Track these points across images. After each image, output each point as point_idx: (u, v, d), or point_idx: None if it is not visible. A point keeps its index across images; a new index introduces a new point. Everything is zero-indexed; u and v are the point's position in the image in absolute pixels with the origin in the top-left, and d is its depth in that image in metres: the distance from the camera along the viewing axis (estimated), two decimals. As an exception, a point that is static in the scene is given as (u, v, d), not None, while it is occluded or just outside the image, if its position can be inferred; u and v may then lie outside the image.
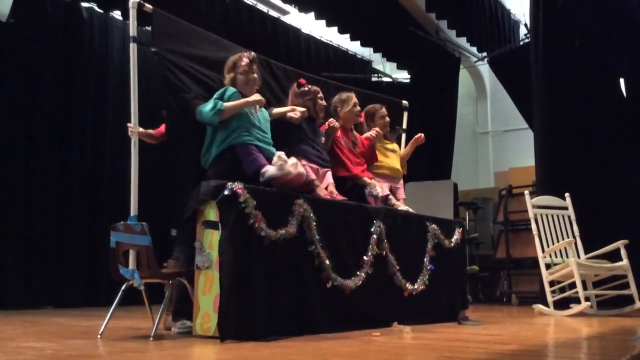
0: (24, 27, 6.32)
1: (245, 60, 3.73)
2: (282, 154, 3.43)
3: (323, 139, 4.14)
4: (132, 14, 3.47)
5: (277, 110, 3.92)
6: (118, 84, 6.86)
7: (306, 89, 4.07)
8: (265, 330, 3.01)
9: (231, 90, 3.63)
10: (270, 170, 3.38)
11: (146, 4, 3.54)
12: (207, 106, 3.52)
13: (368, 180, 4.25)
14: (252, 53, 3.82)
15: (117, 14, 7.12)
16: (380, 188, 4.27)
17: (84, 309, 6.07)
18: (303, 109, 3.94)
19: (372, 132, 4.47)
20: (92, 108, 6.89)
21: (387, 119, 4.74)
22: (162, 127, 3.99)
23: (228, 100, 3.56)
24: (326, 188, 3.90)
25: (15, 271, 6.00)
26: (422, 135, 4.91)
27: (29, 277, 6.07)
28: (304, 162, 3.79)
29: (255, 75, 3.77)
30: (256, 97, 3.63)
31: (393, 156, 4.79)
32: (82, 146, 6.75)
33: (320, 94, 4.17)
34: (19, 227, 6.09)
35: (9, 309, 5.69)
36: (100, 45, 7.06)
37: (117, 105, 6.73)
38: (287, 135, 3.86)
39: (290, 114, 3.86)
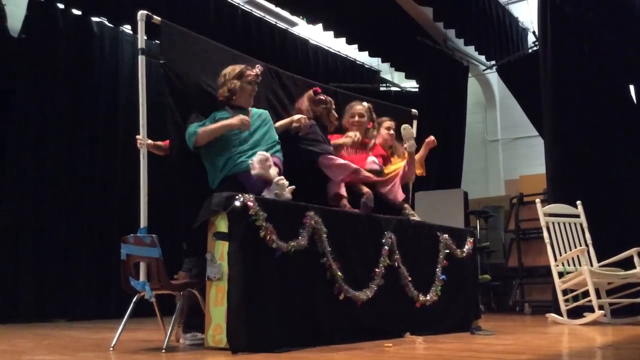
0: (36, 42, 6.40)
1: (255, 71, 3.74)
2: (280, 179, 3.37)
3: (331, 147, 4.07)
4: (141, 26, 3.49)
5: (279, 124, 3.89)
6: (128, 97, 6.92)
7: (322, 97, 4.08)
8: (277, 342, 3.01)
9: (217, 115, 3.56)
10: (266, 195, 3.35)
11: (154, 16, 3.55)
12: (190, 128, 3.49)
13: (365, 189, 4.09)
14: (261, 67, 3.84)
15: (127, 28, 7.19)
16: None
17: (95, 321, 6.08)
18: (303, 116, 3.89)
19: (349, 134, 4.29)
20: (102, 121, 6.95)
21: (392, 132, 4.63)
22: None
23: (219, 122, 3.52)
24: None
25: (27, 284, 6.03)
26: (433, 137, 4.85)
27: (41, 290, 6.10)
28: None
29: (256, 89, 3.78)
30: (239, 119, 3.50)
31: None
32: (92, 159, 6.81)
33: (334, 106, 4.17)
34: (30, 241, 6.13)
35: (21, 322, 5.72)
36: (111, 59, 7.13)
37: (128, 118, 6.78)
38: (299, 140, 3.83)
39: (295, 124, 3.84)
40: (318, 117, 4.06)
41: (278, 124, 3.90)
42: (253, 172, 3.38)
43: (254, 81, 3.72)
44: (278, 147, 3.70)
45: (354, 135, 4.16)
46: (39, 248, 6.17)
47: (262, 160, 3.38)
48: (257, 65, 3.85)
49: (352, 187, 4.08)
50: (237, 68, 3.71)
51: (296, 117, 3.90)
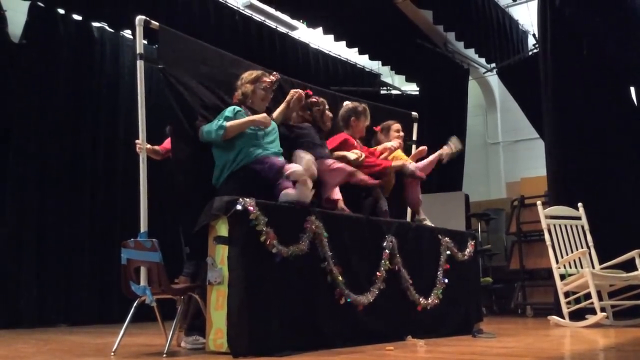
0: (36, 47, 6.40)
1: (271, 78, 3.79)
2: (307, 179, 3.38)
3: (327, 150, 4.09)
4: (139, 31, 3.49)
5: (277, 113, 3.91)
6: (129, 102, 6.92)
7: (315, 99, 4.08)
8: (278, 346, 3.00)
9: (237, 108, 3.62)
10: (290, 195, 3.34)
11: (152, 21, 3.56)
12: (211, 126, 3.52)
13: (382, 195, 4.23)
14: (278, 75, 3.89)
15: (127, 33, 7.20)
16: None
17: (97, 326, 6.07)
18: (295, 90, 3.95)
19: (393, 143, 4.47)
20: (103, 126, 6.96)
21: (402, 133, 4.74)
22: (167, 143, 4.01)
23: (234, 118, 3.55)
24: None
25: (29, 290, 6.02)
26: (425, 148, 4.88)
27: (42, 295, 6.10)
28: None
29: (271, 96, 3.81)
30: (263, 117, 3.60)
31: None
32: (93, 164, 6.81)
33: (327, 105, 4.17)
34: (31, 245, 6.12)
35: (23, 327, 5.71)
36: (111, 64, 7.14)
37: (128, 123, 6.78)
38: (296, 144, 3.84)
39: (291, 99, 3.89)
40: (312, 120, 4.04)
41: (275, 115, 3.91)
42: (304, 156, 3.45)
43: (268, 88, 3.76)
44: (282, 157, 3.71)
45: (359, 154, 4.15)
46: (41, 253, 6.17)
47: (312, 160, 3.48)
48: (274, 73, 3.89)
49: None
50: (255, 73, 3.77)
51: (288, 97, 3.91)
